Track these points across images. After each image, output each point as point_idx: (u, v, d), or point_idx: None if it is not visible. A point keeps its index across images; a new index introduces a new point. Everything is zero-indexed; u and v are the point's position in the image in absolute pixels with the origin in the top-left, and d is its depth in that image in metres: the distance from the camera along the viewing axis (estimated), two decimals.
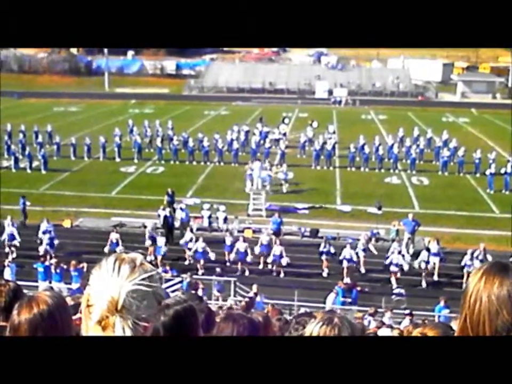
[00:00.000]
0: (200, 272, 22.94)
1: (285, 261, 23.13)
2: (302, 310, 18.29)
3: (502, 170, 34.15)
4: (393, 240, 24.29)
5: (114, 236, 23.83)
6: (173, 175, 36.19)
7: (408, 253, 23.87)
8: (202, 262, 23.48)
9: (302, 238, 26.58)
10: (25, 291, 3.84)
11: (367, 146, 38.81)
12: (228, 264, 23.84)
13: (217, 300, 20.21)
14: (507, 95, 74.08)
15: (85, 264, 20.18)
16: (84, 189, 32.87)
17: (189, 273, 20.56)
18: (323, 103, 69.37)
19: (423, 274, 22.74)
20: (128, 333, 2.03)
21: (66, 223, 27.42)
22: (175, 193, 28.40)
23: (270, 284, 21.98)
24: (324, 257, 23.31)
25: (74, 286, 19.84)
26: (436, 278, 22.93)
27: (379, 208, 28.86)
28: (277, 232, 25.49)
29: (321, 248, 23.37)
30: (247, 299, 17.74)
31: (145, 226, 25.07)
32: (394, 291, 21.53)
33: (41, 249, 23.95)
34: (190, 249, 23.96)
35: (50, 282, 20.33)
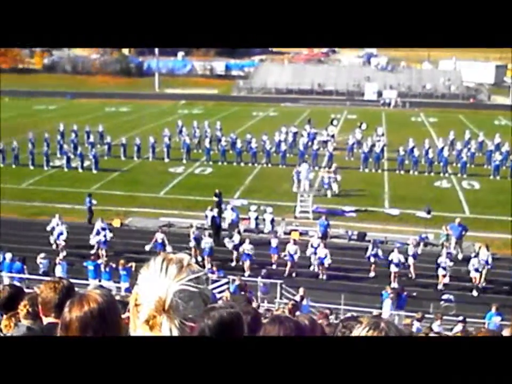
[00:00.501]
0: (246, 273, 22.99)
1: (327, 262, 23.01)
2: (348, 314, 18.17)
3: None
4: (442, 245, 23.89)
5: (159, 236, 24.08)
6: (221, 176, 36.37)
7: (457, 258, 23.47)
8: (248, 263, 23.52)
9: (349, 241, 26.38)
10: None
11: (416, 149, 38.31)
12: (274, 266, 23.83)
13: (263, 301, 20.21)
14: None
15: (133, 264, 20.45)
16: (133, 189, 33.34)
17: (238, 276, 20.55)
18: (372, 104, 68.75)
19: (473, 280, 22.30)
20: (175, 332, 2.05)
21: (116, 223, 27.82)
22: (222, 194, 28.54)
23: (317, 287, 21.89)
24: (371, 260, 23.09)
25: (123, 284, 20.14)
26: (485, 284, 22.46)
27: (428, 212, 28.43)
28: (324, 235, 25.36)
29: (369, 252, 23.16)
30: (292, 302, 17.71)
31: (191, 227, 25.25)
32: (443, 297, 21.17)
33: (94, 247, 24.43)
34: (237, 250, 24.05)
35: (99, 281, 20.67)
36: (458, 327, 16.16)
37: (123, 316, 2.68)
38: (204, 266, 21.61)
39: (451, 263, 22.20)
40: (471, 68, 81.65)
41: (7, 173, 36.97)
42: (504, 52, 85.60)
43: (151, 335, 2.07)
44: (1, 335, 4.38)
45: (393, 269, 22.37)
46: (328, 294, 20.73)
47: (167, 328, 2.06)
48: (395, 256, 22.32)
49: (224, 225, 26.89)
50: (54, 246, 24.53)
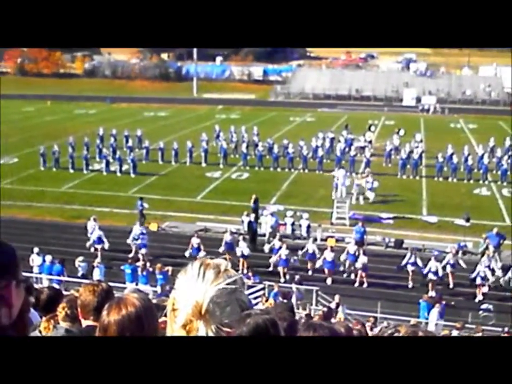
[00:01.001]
0: (282, 279, 22.97)
1: (359, 265, 22.88)
2: (385, 323, 17.99)
3: None
4: (482, 254, 23.51)
5: (195, 241, 24.20)
6: (258, 181, 36.41)
7: (496, 267, 23.07)
8: (285, 269, 23.50)
9: (386, 249, 26.14)
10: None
11: (455, 156, 37.82)
12: (310, 272, 23.75)
13: (297, 308, 20.13)
14: None
15: (169, 268, 20.59)
16: (170, 193, 33.58)
17: (276, 283, 20.48)
18: (410, 110, 68.13)
19: None
20: None
21: (153, 227, 28.02)
22: (259, 200, 28.56)
23: (353, 294, 21.74)
24: (409, 268, 22.82)
25: (159, 288, 20.27)
26: None
27: (467, 220, 28.02)
28: (360, 242, 25.17)
29: (406, 259, 22.88)
30: (325, 308, 17.62)
31: (226, 232, 25.30)
32: (481, 306, 20.82)
33: (131, 250, 24.69)
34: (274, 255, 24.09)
35: (137, 284, 20.86)
36: None
37: (160, 320, 2.70)
38: (239, 272, 21.63)
39: (489, 272, 21.84)
40: None
41: (47, 176, 37.66)
42: None
43: (182, 336, 2.09)
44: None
45: (430, 277, 22.08)
46: (364, 302, 20.57)
47: (203, 333, 2.07)
48: (433, 265, 22.03)
49: (261, 230, 26.89)
50: (92, 249, 24.80)
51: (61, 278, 20.54)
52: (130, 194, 34.02)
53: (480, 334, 16.56)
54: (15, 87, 78.07)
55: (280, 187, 35.48)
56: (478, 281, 21.78)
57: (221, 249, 24.09)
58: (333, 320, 13.21)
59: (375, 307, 19.41)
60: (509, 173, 36.98)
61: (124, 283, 20.32)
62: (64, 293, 7.26)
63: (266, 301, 17.95)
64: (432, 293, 21.53)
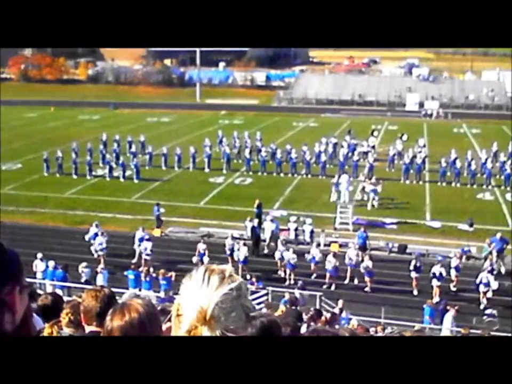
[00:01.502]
0: (287, 282, 23.02)
1: (362, 267, 22.87)
2: (389, 328, 17.94)
3: None
4: (485, 259, 23.46)
5: (201, 246, 24.20)
6: (261, 186, 36.42)
7: (500, 272, 23.02)
8: (291, 273, 23.53)
9: (390, 254, 26.10)
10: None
11: (458, 161, 37.78)
12: (313, 277, 23.73)
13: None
14: None
15: (173, 273, 20.58)
16: (173, 199, 33.61)
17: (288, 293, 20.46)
18: (413, 115, 68.13)
19: None
20: None
21: (156, 232, 28.05)
22: (262, 205, 28.57)
23: (357, 299, 21.70)
24: (413, 274, 22.76)
25: (163, 294, 20.26)
26: None
27: (471, 225, 27.97)
28: (363, 247, 25.16)
29: (412, 266, 22.80)
30: (329, 314, 17.58)
31: (232, 237, 25.32)
32: (485, 312, 20.75)
33: (135, 256, 24.69)
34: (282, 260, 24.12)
35: (140, 290, 20.85)
36: None
37: (164, 326, 2.69)
38: (242, 277, 21.61)
39: (493, 277, 21.79)
40: None
41: (51, 182, 37.73)
42: None
43: (184, 336, 2.09)
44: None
45: (435, 282, 22.04)
46: (368, 307, 20.53)
47: None
48: (437, 270, 21.99)
49: (264, 236, 26.89)
50: (95, 255, 24.79)
51: (64, 284, 20.53)
52: (133, 200, 34.05)
53: None
54: (18, 93, 78.33)
55: (283, 192, 35.48)
56: (482, 286, 21.73)
57: (226, 254, 24.17)
58: (337, 326, 13.18)
59: (379, 312, 19.37)
60: None
61: (127, 289, 20.31)
62: (67, 298, 7.26)
63: (269, 307, 17.92)
64: (436, 298, 21.48)
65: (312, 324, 12.21)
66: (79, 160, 39.48)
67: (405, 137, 47.43)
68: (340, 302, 18.83)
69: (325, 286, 23.00)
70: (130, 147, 43.30)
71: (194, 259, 23.73)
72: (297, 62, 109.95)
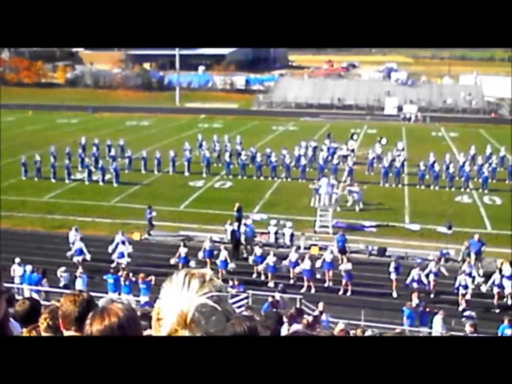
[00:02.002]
0: (270, 284, 23.07)
1: (344, 268, 22.92)
2: (369, 330, 18.00)
3: None
4: (463, 261, 23.66)
5: (183, 250, 24.13)
6: (241, 190, 36.42)
7: (478, 274, 23.24)
8: (272, 276, 23.57)
9: (369, 257, 26.23)
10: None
11: (437, 164, 38.12)
12: (292, 281, 23.76)
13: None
14: None
15: (152, 277, 20.49)
16: (153, 202, 33.39)
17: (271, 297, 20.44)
18: (392, 119, 68.58)
19: (495, 297, 22.03)
20: None
21: (136, 236, 27.93)
22: (242, 208, 28.56)
23: (337, 302, 21.76)
24: (393, 276, 22.90)
25: (143, 298, 20.15)
26: (509, 302, 22.17)
27: (449, 228, 28.20)
28: (342, 250, 25.26)
29: (391, 268, 22.96)
30: (310, 317, 17.59)
31: (212, 241, 25.28)
32: (464, 314, 20.92)
33: (114, 260, 24.51)
34: (258, 263, 24.10)
35: (119, 294, 20.71)
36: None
37: (145, 333, 2.68)
38: (223, 280, 21.56)
39: (471, 279, 21.98)
40: (492, 83, 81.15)
41: (29, 186, 37.39)
42: None
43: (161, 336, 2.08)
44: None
45: (414, 285, 22.18)
46: (348, 310, 20.60)
47: None
48: (415, 273, 22.13)
49: (243, 239, 26.87)
50: (75, 259, 24.58)
51: (43, 288, 20.34)
52: (112, 203, 33.88)
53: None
54: None
55: (263, 196, 35.52)
56: (461, 288, 21.91)
57: (200, 256, 24.12)
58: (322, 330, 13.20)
59: (358, 315, 19.45)
60: (489, 180, 37.35)
61: (107, 293, 20.17)
62: (46, 303, 7.19)
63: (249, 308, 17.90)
64: (415, 301, 21.58)
65: (293, 322, 12.23)
66: (57, 164, 39.20)
67: (384, 141, 47.74)
68: (320, 305, 18.86)
69: (303, 290, 23.02)
70: (109, 151, 43.11)
71: (173, 261, 23.69)
72: (276, 66, 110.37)
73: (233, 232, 26.43)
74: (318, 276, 23.42)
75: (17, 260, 21.96)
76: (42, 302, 6.72)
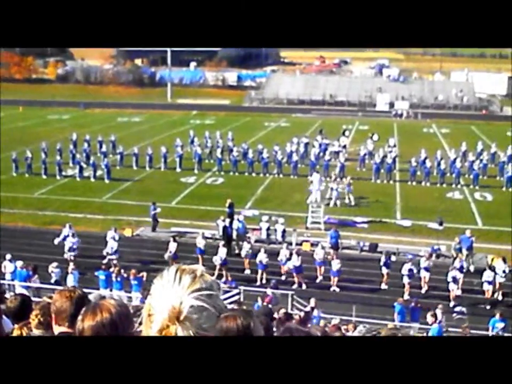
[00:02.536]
0: (258, 283, 23.03)
1: (335, 267, 22.94)
2: (361, 326, 18.08)
3: None
4: (455, 257, 23.75)
5: (172, 245, 24.10)
6: (232, 186, 36.40)
7: (468, 270, 23.34)
8: (263, 273, 23.54)
9: (361, 253, 26.29)
10: None
11: (428, 160, 38.23)
12: (283, 277, 23.78)
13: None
14: None
15: (144, 273, 20.46)
16: (144, 199, 33.37)
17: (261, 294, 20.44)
18: (384, 115, 68.70)
19: (486, 293, 22.13)
20: None
21: (127, 232, 27.88)
22: (234, 205, 28.54)
23: (328, 298, 21.81)
24: (384, 270, 22.98)
25: (134, 294, 20.13)
26: (500, 297, 22.29)
27: (440, 224, 28.29)
28: (335, 246, 25.31)
29: (381, 262, 23.07)
30: (302, 313, 17.65)
31: (203, 237, 25.24)
32: (455, 309, 21.01)
33: (105, 256, 24.45)
34: (249, 259, 24.09)
35: (111, 290, 20.67)
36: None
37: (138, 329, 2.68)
38: (216, 276, 21.55)
39: (461, 275, 22.08)
40: (483, 79, 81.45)
41: (20, 182, 37.25)
42: None
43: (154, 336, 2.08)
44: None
45: (405, 280, 22.26)
46: (339, 305, 20.64)
47: None
48: (407, 268, 22.20)
49: (235, 235, 26.86)
50: (66, 256, 24.51)
51: (34, 284, 20.28)
52: (104, 200, 33.78)
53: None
54: None
55: (255, 192, 35.51)
56: (451, 284, 22.00)
57: (166, 256, 24.06)
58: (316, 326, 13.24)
59: (350, 311, 19.50)
60: (480, 176, 37.49)
61: (98, 289, 20.13)
62: (37, 300, 7.18)
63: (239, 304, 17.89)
64: (406, 296, 21.68)
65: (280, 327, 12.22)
66: (48, 160, 39.04)
67: (375, 137, 47.81)
68: (312, 301, 18.91)
69: (295, 286, 23.04)
70: (100, 147, 42.99)
71: (166, 255, 23.68)
72: (268, 62, 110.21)
73: (225, 228, 26.41)
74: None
75: (8, 256, 21.86)
76: (33, 299, 6.70)
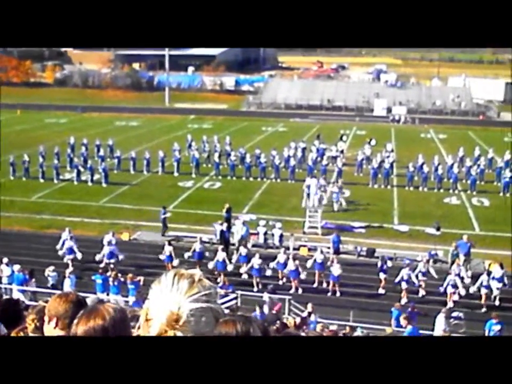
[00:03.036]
0: (255, 288, 22.96)
1: (336, 272, 22.86)
2: (358, 331, 18.05)
3: None
4: (452, 262, 23.75)
5: (168, 249, 24.10)
6: (230, 190, 36.40)
7: (466, 275, 23.34)
8: (258, 278, 23.48)
9: (358, 258, 26.28)
10: None
11: (426, 166, 38.26)
12: (280, 282, 23.74)
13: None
14: None
15: (141, 277, 20.44)
16: (142, 203, 33.41)
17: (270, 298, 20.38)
18: (381, 121, 68.78)
19: (483, 298, 22.12)
20: None
21: (125, 236, 27.85)
22: (231, 209, 28.54)
23: (325, 303, 21.78)
24: (382, 275, 22.96)
25: (131, 298, 20.09)
26: (497, 303, 22.28)
27: (437, 229, 28.31)
28: (337, 251, 25.36)
29: (378, 266, 23.06)
30: (298, 318, 17.61)
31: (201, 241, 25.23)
32: (452, 314, 20.99)
33: (100, 259, 24.41)
34: (246, 264, 24.04)
35: (108, 295, 20.63)
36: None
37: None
38: (213, 281, 21.51)
39: (459, 280, 22.08)
40: (480, 85, 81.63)
41: (17, 186, 37.20)
42: None
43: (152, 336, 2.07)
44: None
45: (403, 286, 22.26)
46: (337, 310, 20.63)
47: None
48: (405, 273, 22.20)
49: (233, 240, 26.84)
50: (65, 260, 24.47)
51: (31, 288, 20.23)
52: (101, 204, 33.75)
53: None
54: None
55: (252, 196, 35.51)
56: (449, 289, 22.00)
57: (186, 256, 24.09)
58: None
59: (347, 316, 19.48)
60: (478, 182, 37.54)
61: (95, 293, 20.09)
62: (33, 304, 7.15)
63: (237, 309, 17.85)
64: (404, 301, 21.66)
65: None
66: (46, 164, 39.01)
67: (373, 142, 47.89)
68: (309, 306, 18.88)
69: (292, 291, 23.01)
70: (98, 151, 42.99)
71: (161, 256, 23.73)
72: (266, 67, 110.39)
73: (222, 232, 26.39)
74: (303, 277, 23.28)
75: (5, 260, 21.82)
76: (29, 302, 6.68)
